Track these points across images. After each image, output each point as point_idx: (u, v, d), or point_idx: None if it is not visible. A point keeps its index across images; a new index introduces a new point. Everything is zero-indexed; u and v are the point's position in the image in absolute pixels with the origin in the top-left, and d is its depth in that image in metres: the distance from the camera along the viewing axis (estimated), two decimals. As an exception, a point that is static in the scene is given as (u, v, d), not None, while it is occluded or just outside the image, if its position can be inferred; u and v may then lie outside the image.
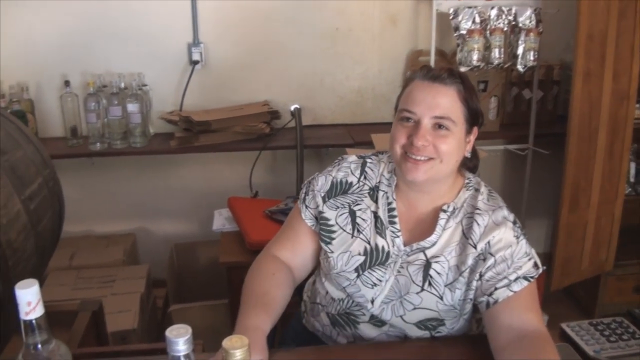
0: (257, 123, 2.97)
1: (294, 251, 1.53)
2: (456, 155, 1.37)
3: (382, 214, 1.43)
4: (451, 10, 2.64)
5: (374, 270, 1.41)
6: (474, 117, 1.38)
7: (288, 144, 2.98)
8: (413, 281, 1.38)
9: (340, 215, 1.46)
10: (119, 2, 2.91)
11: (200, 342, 1.59)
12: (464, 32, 2.61)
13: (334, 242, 1.46)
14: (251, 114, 2.99)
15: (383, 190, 1.45)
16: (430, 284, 1.37)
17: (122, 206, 3.24)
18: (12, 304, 1.58)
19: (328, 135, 3.11)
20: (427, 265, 1.38)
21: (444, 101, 1.33)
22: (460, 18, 2.60)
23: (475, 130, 1.41)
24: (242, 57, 3.07)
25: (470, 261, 1.35)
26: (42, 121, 3.00)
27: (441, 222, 1.39)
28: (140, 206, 3.25)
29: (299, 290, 1.62)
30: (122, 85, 2.88)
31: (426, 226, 1.41)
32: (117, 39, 2.97)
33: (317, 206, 1.49)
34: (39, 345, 0.94)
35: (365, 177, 1.49)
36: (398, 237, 1.41)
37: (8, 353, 1.56)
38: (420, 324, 1.41)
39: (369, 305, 1.41)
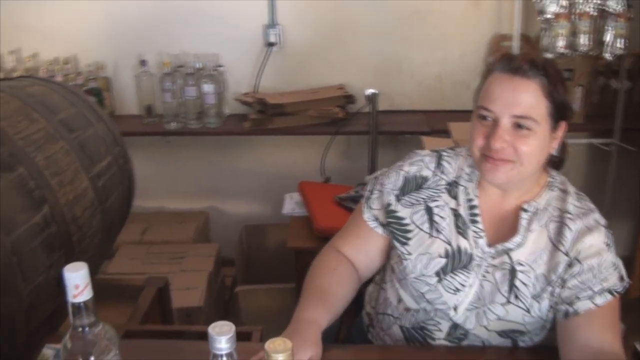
0: (331, 107, 2.93)
1: (357, 248, 1.45)
2: (539, 156, 1.24)
3: (463, 211, 1.32)
4: (537, -8, 2.50)
5: (456, 274, 1.30)
6: (560, 111, 1.23)
7: (362, 130, 2.92)
8: (499, 290, 1.27)
9: (416, 212, 1.35)
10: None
11: (260, 328, 1.57)
12: (549, 16, 2.46)
13: (410, 242, 1.35)
14: (326, 98, 2.95)
15: (463, 186, 1.34)
16: (516, 296, 1.26)
17: (195, 185, 3.28)
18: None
19: (404, 122, 3.02)
20: (513, 272, 1.26)
21: (525, 97, 1.19)
22: (545, 1, 2.45)
23: (563, 125, 1.26)
24: (318, 39, 3.03)
25: (560, 269, 1.24)
26: (118, 99, 3.08)
27: (523, 222, 1.28)
28: (213, 185, 3.28)
29: (356, 300, 1.54)
30: (198, 65, 2.90)
31: (509, 225, 1.30)
32: (194, 20, 2.99)
33: (388, 205, 1.38)
34: (86, 328, 0.92)
35: (442, 171, 1.37)
36: (481, 237, 1.30)
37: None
38: (503, 333, 1.31)
39: (452, 313, 1.31)
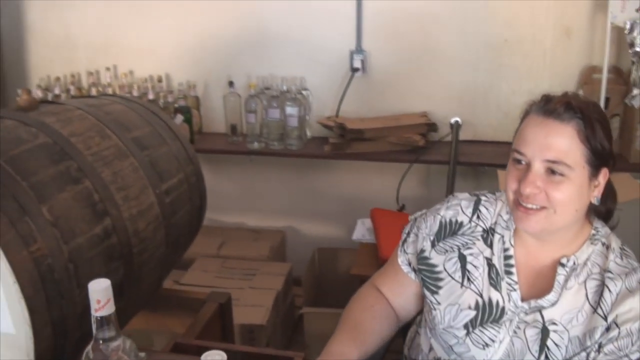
0: (412, 134, 2.91)
1: (393, 290, 1.43)
2: (576, 204, 1.17)
3: (497, 261, 1.27)
4: (627, 25, 2.39)
5: (485, 328, 1.25)
6: (600, 158, 1.17)
7: (442, 159, 2.88)
8: (529, 349, 1.21)
9: (449, 260, 1.31)
10: (286, 7, 3.01)
11: (302, 355, 1.59)
12: (639, 49, 2.35)
13: (440, 291, 1.31)
14: (407, 125, 2.94)
15: (499, 234, 1.29)
16: (547, 357, 1.20)
17: (274, 204, 3.35)
18: (133, 287, 1.70)
19: (486, 153, 2.95)
20: (545, 332, 1.20)
21: (558, 141, 1.13)
22: (635, 33, 2.34)
23: (605, 171, 1.19)
24: (403, 66, 3.03)
25: (598, 334, 1.16)
26: (206, 117, 3.21)
27: (559, 278, 1.21)
28: (291, 206, 3.34)
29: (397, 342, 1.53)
30: (284, 88, 2.98)
31: (545, 281, 1.23)
32: (282, 44, 3.07)
33: (422, 251, 1.35)
34: (106, 341, 0.98)
35: (478, 217, 1.32)
36: (515, 290, 1.24)
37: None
38: None
39: None
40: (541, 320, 1.21)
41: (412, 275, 1.39)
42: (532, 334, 1.21)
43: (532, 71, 2.95)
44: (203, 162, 2.13)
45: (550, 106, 1.17)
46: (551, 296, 1.21)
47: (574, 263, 1.21)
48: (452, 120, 2.90)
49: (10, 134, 1.53)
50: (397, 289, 1.43)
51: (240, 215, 3.36)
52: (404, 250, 1.41)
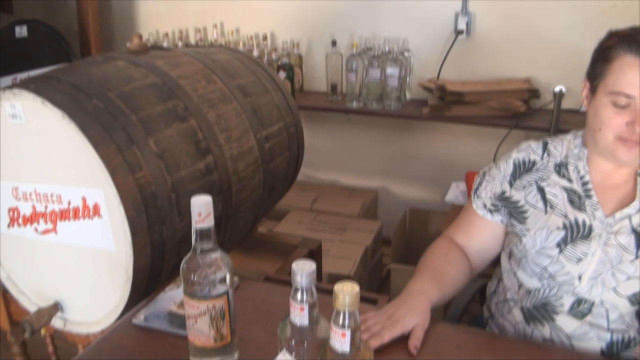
0: (513, 100, 2.87)
1: (468, 236, 1.50)
2: None
3: (577, 187, 1.36)
4: None
5: (576, 244, 1.34)
6: None
7: (542, 126, 2.82)
8: (625, 249, 1.31)
9: (529, 193, 1.40)
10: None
11: (386, 297, 1.63)
12: None
13: (527, 221, 1.40)
14: (509, 90, 2.89)
15: (573, 164, 1.37)
16: None
17: (369, 163, 3.40)
18: (230, 224, 1.80)
19: (589, 123, 2.87)
20: (637, 233, 1.31)
21: None
22: None
23: None
24: (508, 30, 2.97)
25: None
26: (308, 75, 3.28)
27: None
28: (386, 166, 3.37)
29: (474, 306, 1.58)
30: (386, 49, 2.99)
31: (625, 194, 1.34)
32: (387, 4, 3.08)
33: (502, 193, 1.43)
34: (205, 252, 1.06)
35: (548, 154, 1.41)
36: (598, 209, 1.33)
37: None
38: (634, 298, 1.33)
39: (576, 283, 1.34)
40: (629, 226, 1.32)
41: (488, 216, 1.47)
42: (625, 237, 1.31)
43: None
44: (302, 118, 2.20)
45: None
46: (636, 203, 1.32)
47: None
48: (556, 89, 2.83)
49: (122, 72, 1.64)
50: (473, 233, 1.50)
51: (335, 173, 3.44)
52: (477, 195, 1.49)
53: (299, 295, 0.89)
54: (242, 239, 2.04)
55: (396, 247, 2.89)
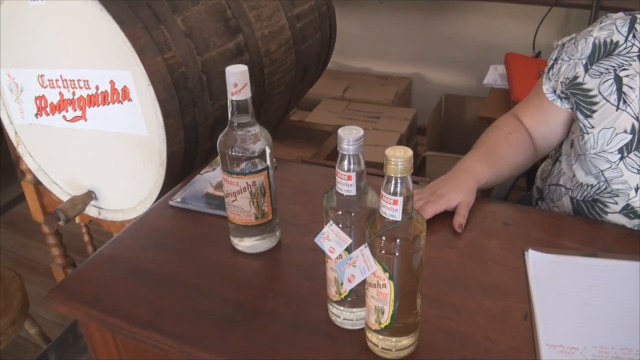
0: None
1: (536, 120, 1.36)
2: None
3: None
4: None
5: None
6: None
7: (584, 3, 2.65)
8: None
9: (604, 82, 1.21)
10: None
11: (427, 180, 1.59)
12: None
13: (595, 115, 1.22)
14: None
15: None
16: None
17: (402, 49, 3.27)
18: (263, 109, 1.74)
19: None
20: None
21: None
22: None
23: None
24: None
25: None
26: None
27: None
28: (419, 51, 3.25)
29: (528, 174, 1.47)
30: None
31: None
32: None
33: (575, 77, 1.25)
34: (242, 126, 1.01)
35: (634, 36, 1.20)
36: None
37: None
38: None
39: (632, 194, 1.20)
40: None
41: (558, 102, 1.32)
42: None
43: None
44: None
45: None
46: None
47: None
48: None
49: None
50: (541, 118, 1.36)
51: (367, 61, 3.32)
52: (549, 78, 1.32)
53: (345, 164, 0.84)
54: (274, 125, 1.99)
55: (431, 135, 2.82)
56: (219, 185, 1.30)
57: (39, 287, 2.46)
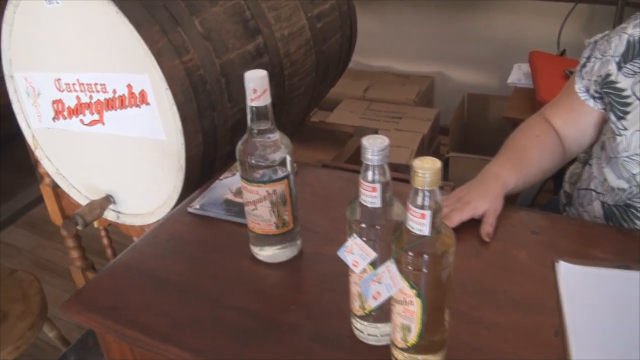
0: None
1: (566, 121, 1.31)
2: None
3: None
4: None
5: None
6: None
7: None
8: None
9: (638, 82, 1.16)
10: None
11: (452, 184, 1.55)
12: None
13: (628, 116, 1.17)
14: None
15: None
16: None
17: (424, 48, 3.22)
18: (284, 111, 1.71)
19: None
20: None
21: None
22: None
23: None
24: None
25: None
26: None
27: None
28: (442, 50, 3.19)
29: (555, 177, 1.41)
30: None
31: None
32: None
33: (607, 76, 1.20)
34: (262, 133, 0.97)
35: None
36: None
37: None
38: None
39: None
40: None
41: (591, 102, 1.26)
42: None
43: None
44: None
45: None
46: None
47: None
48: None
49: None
50: (572, 119, 1.31)
51: (388, 60, 3.28)
52: (582, 76, 1.27)
53: (369, 174, 0.80)
54: (295, 127, 1.95)
55: (454, 135, 2.77)
56: (239, 192, 1.27)
57: (58, 288, 2.45)
